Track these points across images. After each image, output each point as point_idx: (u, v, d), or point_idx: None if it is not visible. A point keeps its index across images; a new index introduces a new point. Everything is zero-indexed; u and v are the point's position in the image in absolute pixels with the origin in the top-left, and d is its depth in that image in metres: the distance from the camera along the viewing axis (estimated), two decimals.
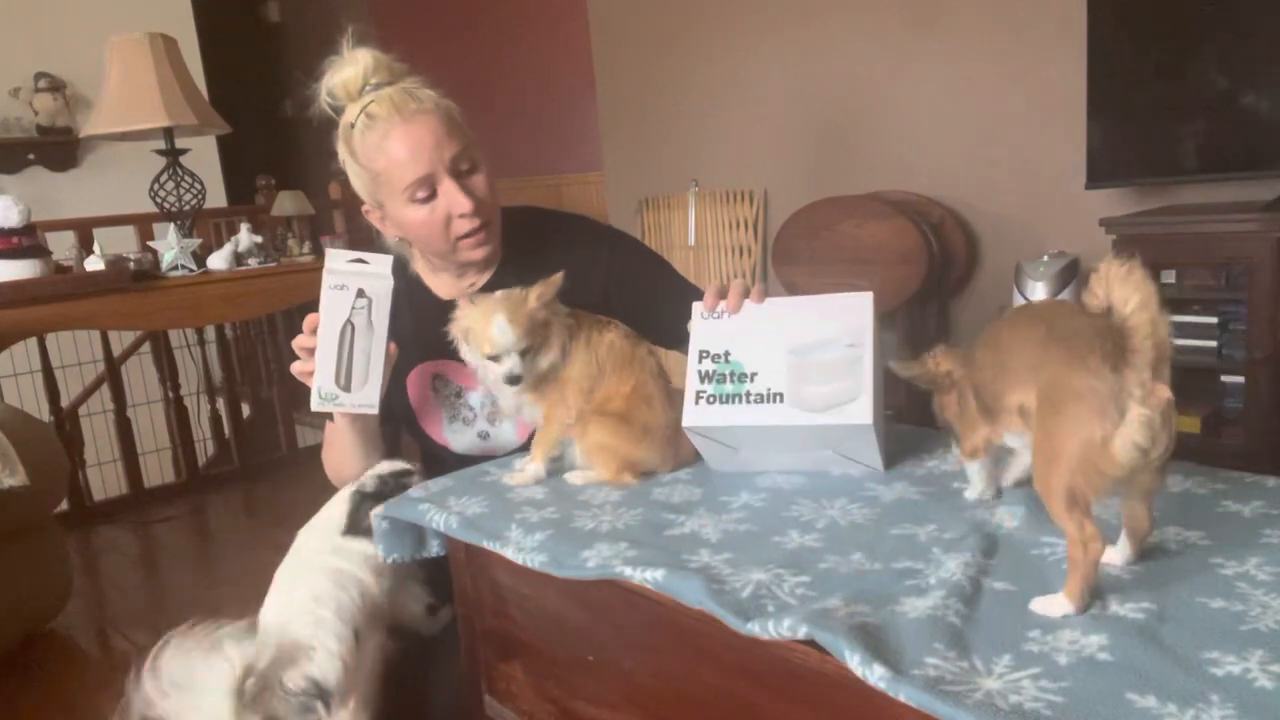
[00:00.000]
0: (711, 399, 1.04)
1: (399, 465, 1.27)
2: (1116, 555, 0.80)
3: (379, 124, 1.19)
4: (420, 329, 1.32)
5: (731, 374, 1.04)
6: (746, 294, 1.11)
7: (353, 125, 1.21)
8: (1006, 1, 2.85)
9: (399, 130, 1.18)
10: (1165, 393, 0.72)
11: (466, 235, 1.25)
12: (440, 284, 1.38)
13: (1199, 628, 0.69)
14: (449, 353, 1.19)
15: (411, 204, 1.22)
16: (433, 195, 1.22)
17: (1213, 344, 2.18)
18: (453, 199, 1.21)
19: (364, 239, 4.13)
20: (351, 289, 1.14)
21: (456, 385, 1.38)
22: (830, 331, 1.02)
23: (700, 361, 1.07)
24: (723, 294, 1.12)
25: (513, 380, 1.11)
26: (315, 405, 1.16)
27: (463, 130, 1.24)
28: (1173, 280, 2.26)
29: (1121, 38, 2.44)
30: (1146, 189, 2.58)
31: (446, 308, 1.20)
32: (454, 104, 1.25)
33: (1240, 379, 2.14)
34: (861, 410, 0.98)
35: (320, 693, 1.10)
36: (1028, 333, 0.82)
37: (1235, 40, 2.28)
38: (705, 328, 1.09)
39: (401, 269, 1.25)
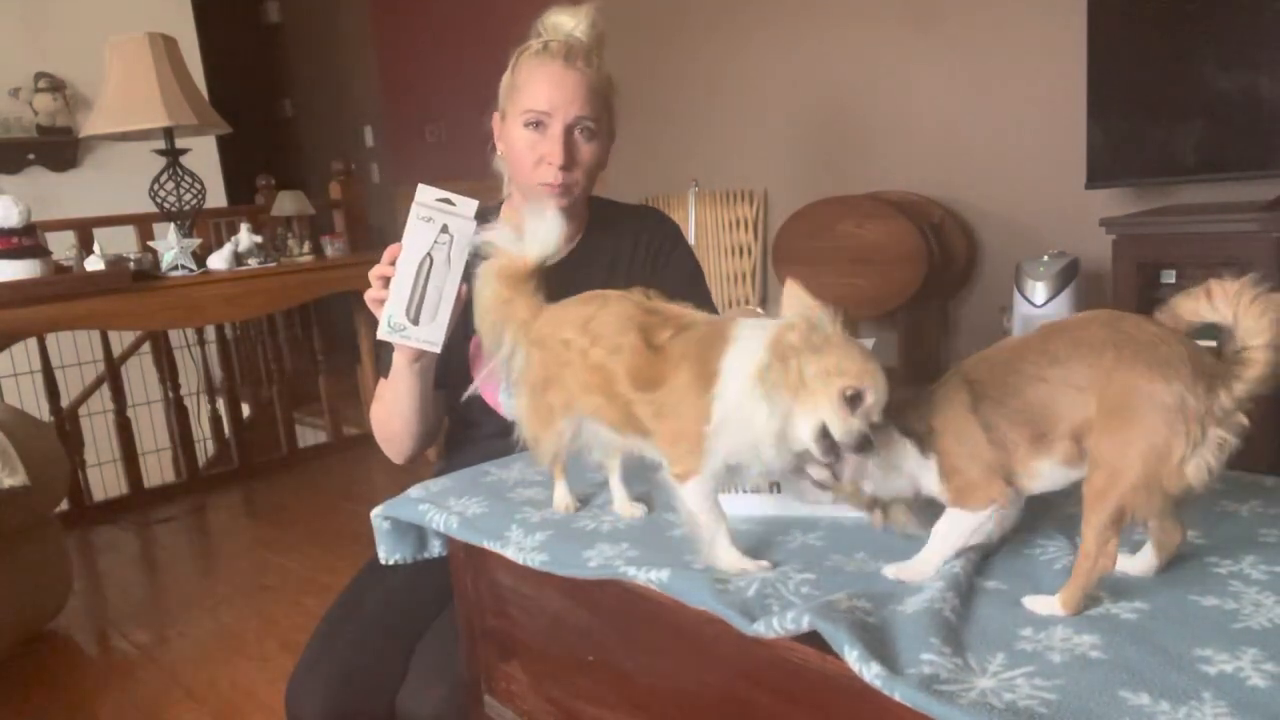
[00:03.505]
0: None
1: None
2: (1136, 565, 0.78)
3: (545, 56, 1.34)
4: None
5: None
6: None
7: (529, 46, 1.36)
8: (1007, 2, 2.86)
9: (554, 68, 1.33)
10: (1244, 421, 0.70)
11: (545, 183, 1.35)
12: None
13: (1192, 626, 0.69)
14: None
15: (522, 127, 1.35)
16: (540, 132, 1.34)
17: (1212, 344, 2.17)
18: (551, 145, 1.33)
19: (363, 238, 4.14)
20: (437, 223, 1.16)
21: None
22: None
23: None
24: None
25: (867, 444, 0.78)
26: (382, 334, 1.18)
27: (604, 108, 1.37)
28: (1173, 280, 2.26)
29: (1121, 37, 2.45)
30: (1146, 189, 2.59)
31: None
32: (615, 88, 1.40)
33: None
34: None
35: None
36: (1089, 337, 0.74)
37: (1235, 40, 2.29)
38: None
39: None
